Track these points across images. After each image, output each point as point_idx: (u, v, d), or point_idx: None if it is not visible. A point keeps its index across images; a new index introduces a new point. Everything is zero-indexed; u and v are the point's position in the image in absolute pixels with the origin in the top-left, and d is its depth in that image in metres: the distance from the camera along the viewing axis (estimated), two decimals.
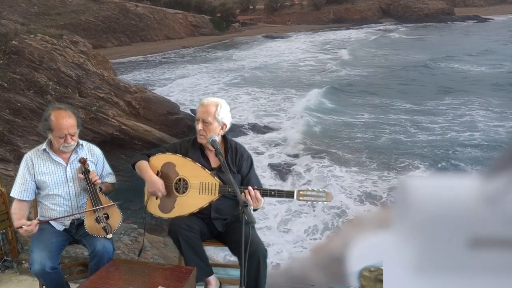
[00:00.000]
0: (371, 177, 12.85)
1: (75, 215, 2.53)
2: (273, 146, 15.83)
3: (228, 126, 2.46)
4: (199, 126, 2.40)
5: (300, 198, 2.26)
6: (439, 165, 13.39)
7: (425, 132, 16.49)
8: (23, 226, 2.33)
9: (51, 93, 13.67)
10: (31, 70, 13.82)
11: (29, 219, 2.51)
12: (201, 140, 2.43)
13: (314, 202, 2.26)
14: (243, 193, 2.28)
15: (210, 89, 24.41)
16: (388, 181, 12.56)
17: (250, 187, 2.30)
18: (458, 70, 27.07)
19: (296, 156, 14.80)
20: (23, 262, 3.34)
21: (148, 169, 2.47)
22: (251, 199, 2.27)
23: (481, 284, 0.69)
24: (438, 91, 21.97)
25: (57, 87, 13.96)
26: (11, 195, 2.52)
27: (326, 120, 18.42)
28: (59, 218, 2.51)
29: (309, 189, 2.27)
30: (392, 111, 19.26)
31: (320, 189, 2.27)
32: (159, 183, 2.42)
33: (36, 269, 2.29)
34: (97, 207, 2.43)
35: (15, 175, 2.55)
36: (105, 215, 2.45)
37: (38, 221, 2.41)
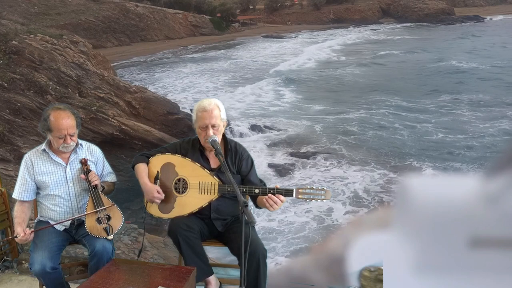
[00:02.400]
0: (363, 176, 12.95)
1: (77, 218, 2.52)
2: (273, 146, 15.84)
3: (227, 122, 2.48)
4: (210, 132, 2.35)
5: (299, 196, 2.26)
6: (436, 165, 13.48)
7: (415, 131, 16.61)
8: (18, 236, 2.35)
9: (51, 93, 13.67)
10: (31, 70, 13.82)
11: (30, 219, 2.51)
12: (207, 144, 2.42)
13: (313, 200, 2.26)
14: (267, 204, 2.28)
15: (210, 89, 24.40)
16: (383, 180, 12.64)
17: (270, 195, 2.27)
18: (450, 67, 27.10)
19: (295, 155, 14.82)
20: (23, 262, 3.34)
21: (144, 175, 2.46)
22: (272, 205, 2.27)
23: (481, 284, 0.69)
24: (428, 89, 22.09)
25: (57, 87, 13.97)
26: (12, 196, 2.52)
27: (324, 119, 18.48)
28: (62, 222, 2.50)
29: (308, 187, 2.27)
30: (382, 109, 19.38)
31: (319, 187, 2.27)
32: (154, 190, 2.40)
33: (36, 269, 2.29)
34: (99, 208, 2.43)
35: (15, 175, 2.56)
36: (107, 216, 2.45)
37: (31, 230, 2.42)
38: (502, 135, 15.31)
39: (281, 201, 2.28)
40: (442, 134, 16.06)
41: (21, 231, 2.36)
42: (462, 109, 18.50)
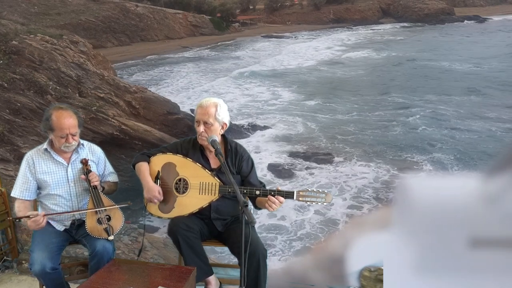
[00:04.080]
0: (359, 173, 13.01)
1: (77, 213, 2.52)
2: (272, 146, 15.81)
3: (228, 125, 2.46)
4: (201, 128, 2.38)
5: (300, 198, 2.25)
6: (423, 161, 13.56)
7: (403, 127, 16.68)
8: (30, 216, 2.29)
9: (51, 93, 13.66)
10: (31, 70, 13.80)
11: None
12: (202, 141, 2.43)
13: (313, 203, 2.26)
14: (267, 205, 2.30)
15: (210, 89, 24.36)
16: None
17: (270, 196, 2.29)
18: (441, 67, 27.02)
19: (295, 155, 14.81)
20: (23, 262, 3.34)
21: (146, 174, 2.46)
22: (270, 205, 2.28)
23: (481, 284, 0.69)
24: (418, 87, 22.11)
25: (57, 87, 13.96)
26: (12, 195, 2.51)
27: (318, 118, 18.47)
28: (62, 213, 2.50)
29: (309, 189, 2.27)
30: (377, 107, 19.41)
31: (320, 190, 2.27)
32: (155, 189, 2.41)
33: (36, 269, 2.29)
34: (99, 208, 2.43)
35: (15, 175, 2.56)
36: (107, 217, 2.46)
37: (45, 214, 2.37)
38: (485, 134, 15.48)
39: (280, 202, 2.29)
40: (429, 128, 16.17)
41: (33, 212, 2.31)
42: (449, 106, 18.67)
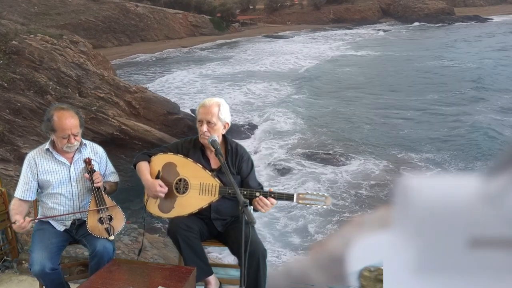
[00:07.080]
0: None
1: (78, 214, 2.52)
2: (273, 146, 15.84)
3: (230, 124, 2.47)
4: (204, 128, 2.38)
5: (300, 201, 2.26)
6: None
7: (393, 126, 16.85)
8: (16, 222, 2.32)
9: (51, 93, 13.68)
10: (31, 70, 13.82)
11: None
12: (204, 141, 2.43)
13: (313, 205, 2.27)
14: (258, 206, 2.30)
15: (210, 89, 24.39)
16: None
17: (261, 197, 2.29)
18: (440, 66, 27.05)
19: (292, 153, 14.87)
20: (23, 262, 3.34)
21: (146, 172, 2.46)
22: (262, 207, 2.28)
23: (481, 284, 0.69)
24: (419, 86, 22.18)
25: (57, 87, 13.97)
26: (14, 195, 2.51)
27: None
28: (62, 215, 2.50)
29: (309, 192, 2.28)
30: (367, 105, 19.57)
31: (320, 193, 2.28)
32: (156, 185, 2.41)
33: (36, 269, 2.29)
34: (101, 207, 2.44)
35: (15, 175, 2.57)
36: (109, 217, 2.46)
37: (31, 219, 2.40)
38: (477, 132, 15.56)
39: (272, 204, 2.29)
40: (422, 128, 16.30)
41: (20, 218, 2.34)
42: (441, 106, 18.83)
